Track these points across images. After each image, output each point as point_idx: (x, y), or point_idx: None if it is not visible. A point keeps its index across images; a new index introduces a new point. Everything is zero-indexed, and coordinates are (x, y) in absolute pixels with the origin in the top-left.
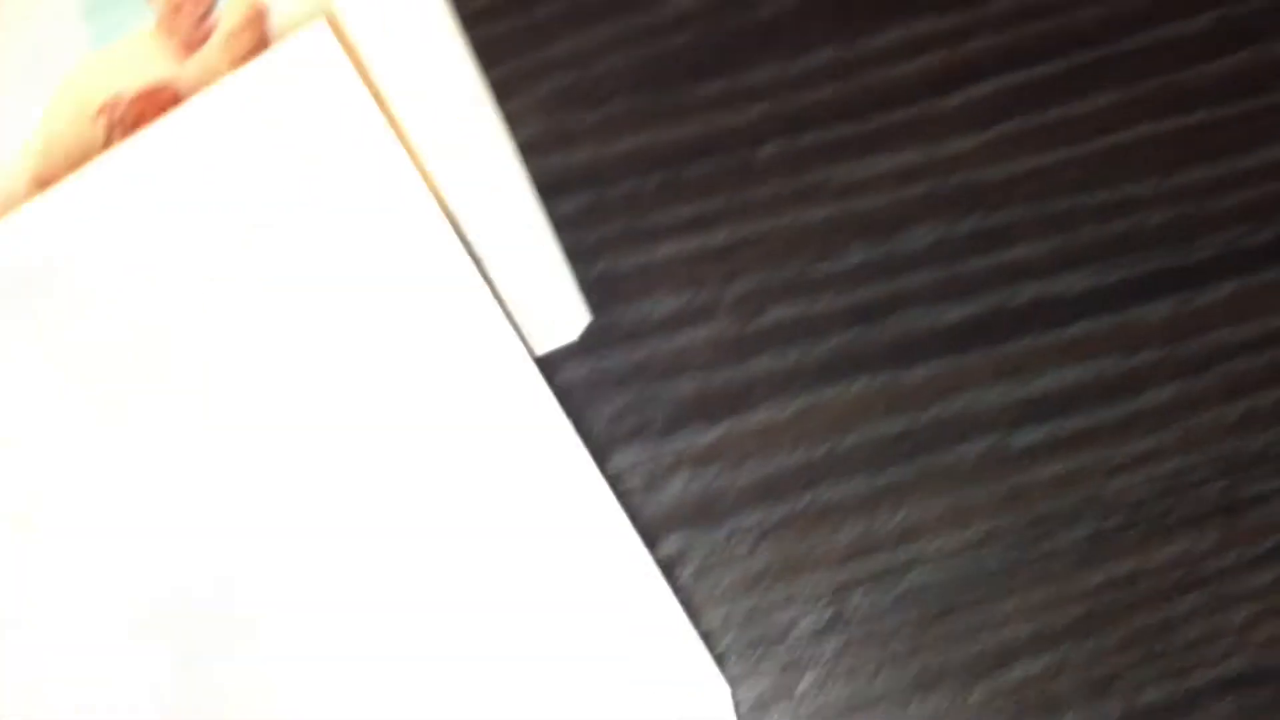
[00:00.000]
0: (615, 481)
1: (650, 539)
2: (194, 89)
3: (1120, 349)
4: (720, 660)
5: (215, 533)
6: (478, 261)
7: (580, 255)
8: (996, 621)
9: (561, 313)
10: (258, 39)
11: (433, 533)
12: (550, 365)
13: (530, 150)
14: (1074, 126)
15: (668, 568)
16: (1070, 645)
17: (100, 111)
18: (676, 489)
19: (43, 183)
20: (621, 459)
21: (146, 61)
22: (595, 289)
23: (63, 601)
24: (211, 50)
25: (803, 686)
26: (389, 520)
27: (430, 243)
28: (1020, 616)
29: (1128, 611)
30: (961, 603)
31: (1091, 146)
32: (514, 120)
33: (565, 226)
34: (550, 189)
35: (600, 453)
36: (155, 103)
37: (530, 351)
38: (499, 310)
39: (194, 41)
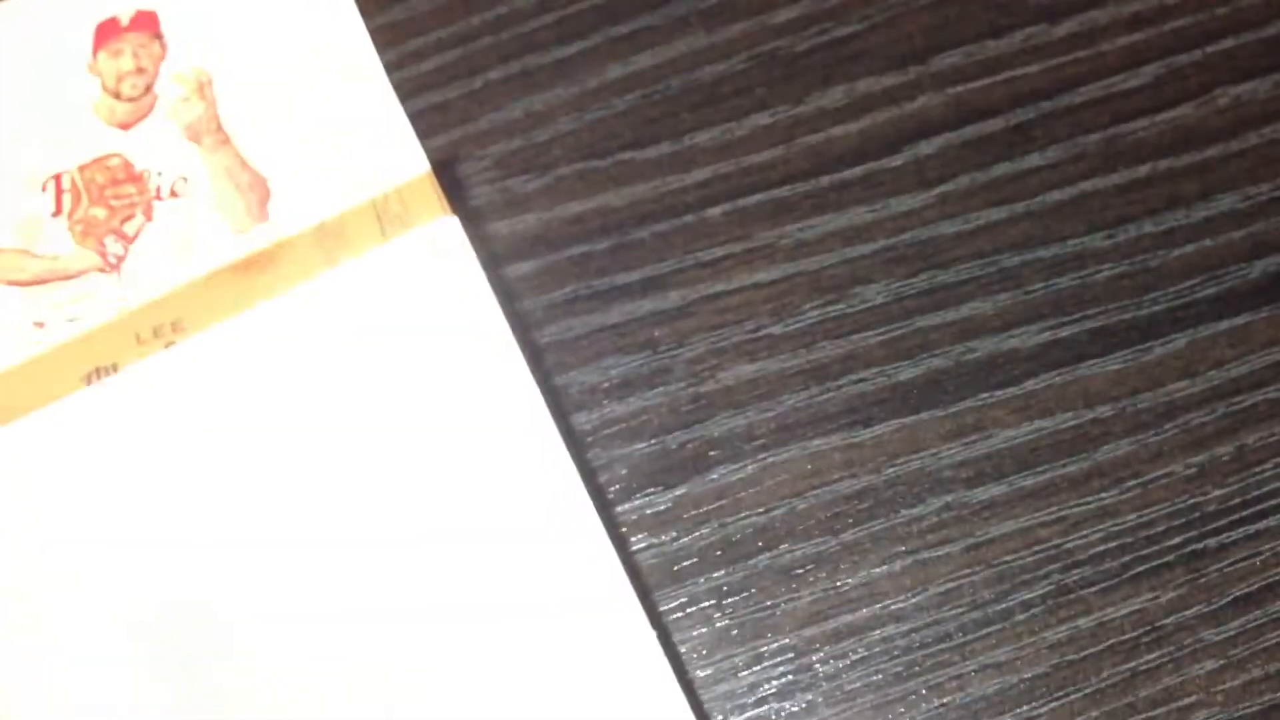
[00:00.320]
0: None
1: None
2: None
3: (1075, 404)
4: None
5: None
6: None
7: (531, 321)
8: (961, 680)
9: None
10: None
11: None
12: None
13: (478, 217)
14: (1021, 182)
15: None
16: (1035, 703)
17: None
18: (635, 553)
19: None
20: None
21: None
22: (547, 354)
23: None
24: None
25: None
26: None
27: (512, 387)
28: (984, 675)
29: (1093, 667)
30: (925, 661)
31: (1039, 202)
32: (461, 187)
33: (515, 293)
34: (500, 255)
35: None
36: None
37: None
38: (568, 458)
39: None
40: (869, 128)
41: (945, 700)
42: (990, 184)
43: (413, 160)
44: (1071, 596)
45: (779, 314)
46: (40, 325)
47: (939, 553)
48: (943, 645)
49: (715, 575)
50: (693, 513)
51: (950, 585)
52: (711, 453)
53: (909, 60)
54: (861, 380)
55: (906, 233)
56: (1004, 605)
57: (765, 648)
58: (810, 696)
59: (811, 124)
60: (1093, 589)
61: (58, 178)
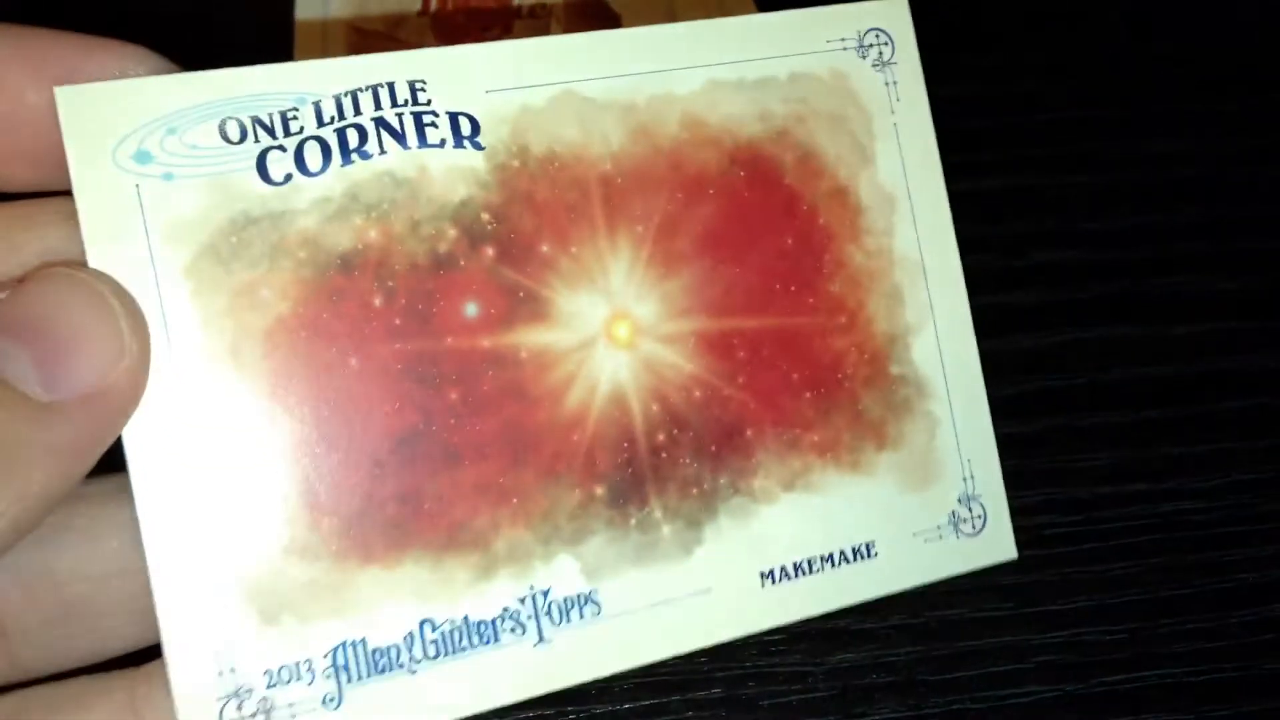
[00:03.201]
0: None
1: None
2: None
3: None
4: None
5: None
6: None
7: None
8: (1258, 561)
9: None
10: None
11: None
12: None
13: None
14: None
15: None
16: None
17: None
18: None
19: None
20: None
21: None
22: None
23: None
24: None
25: (1055, 588)
26: None
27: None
28: None
29: None
30: (1221, 537)
31: None
32: None
33: None
34: None
35: None
36: None
37: None
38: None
39: None
40: None
41: (1239, 578)
42: None
43: None
44: None
45: (1094, 215)
46: None
47: (1243, 446)
48: (1241, 528)
49: (1013, 425)
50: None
51: (1254, 477)
52: (1017, 317)
53: None
54: (1176, 284)
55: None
56: None
57: (1059, 496)
58: (1094, 545)
59: None
60: None
61: None
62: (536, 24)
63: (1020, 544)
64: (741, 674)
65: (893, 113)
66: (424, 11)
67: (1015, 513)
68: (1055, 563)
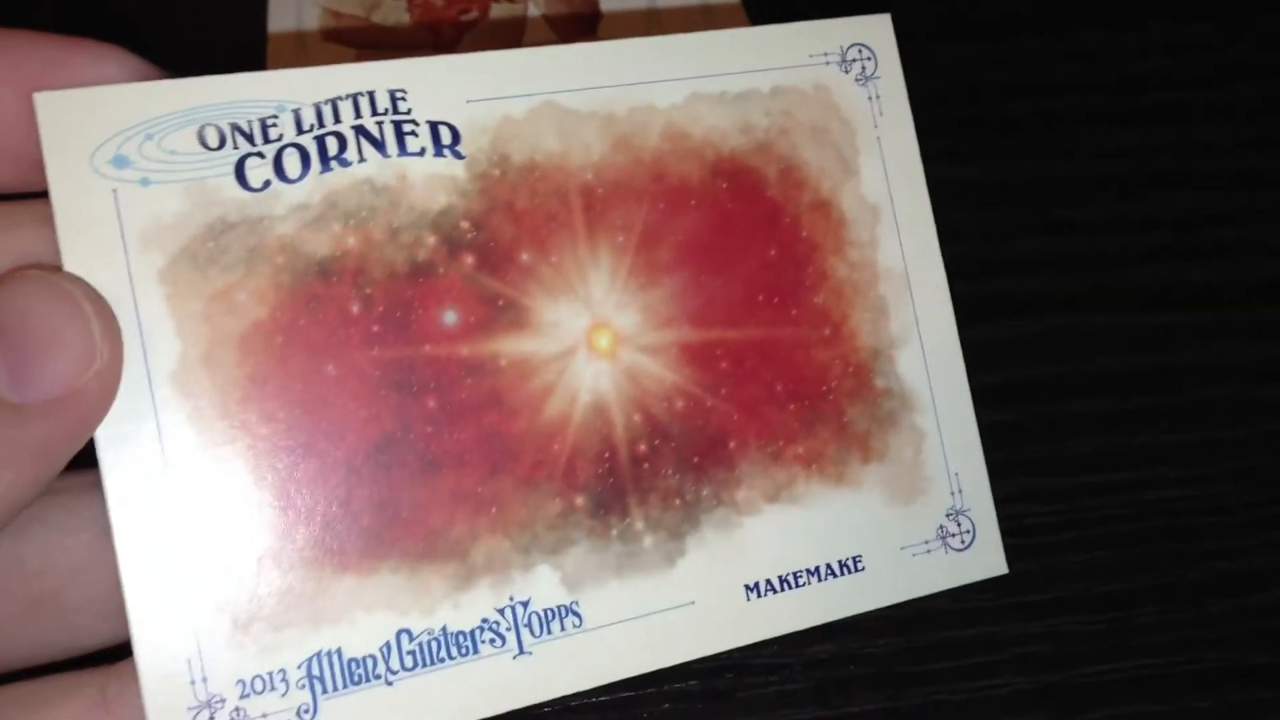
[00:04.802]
0: None
1: None
2: None
3: None
4: None
5: None
6: None
7: None
8: (1239, 551)
9: None
10: None
11: None
12: None
13: None
14: None
15: None
16: None
17: None
18: None
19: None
20: None
21: None
22: None
23: None
24: None
25: (1035, 577)
26: None
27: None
28: (1266, 549)
29: None
30: (1203, 527)
31: None
32: None
33: None
34: None
35: None
36: None
37: None
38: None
39: None
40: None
41: (1220, 565)
42: None
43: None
44: None
45: (1073, 203)
46: None
47: (1226, 436)
48: (1222, 518)
49: (999, 413)
50: (979, 355)
51: (1236, 466)
52: (1000, 306)
53: None
54: (1155, 272)
55: (1208, 161)
56: None
57: (1040, 486)
58: (1078, 534)
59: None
60: None
61: None
62: (514, 6)
63: (1001, 534)
64: (718, 665)
65: (876, 126)
66: None
67: (996, 501)
68: (1035, 552)
